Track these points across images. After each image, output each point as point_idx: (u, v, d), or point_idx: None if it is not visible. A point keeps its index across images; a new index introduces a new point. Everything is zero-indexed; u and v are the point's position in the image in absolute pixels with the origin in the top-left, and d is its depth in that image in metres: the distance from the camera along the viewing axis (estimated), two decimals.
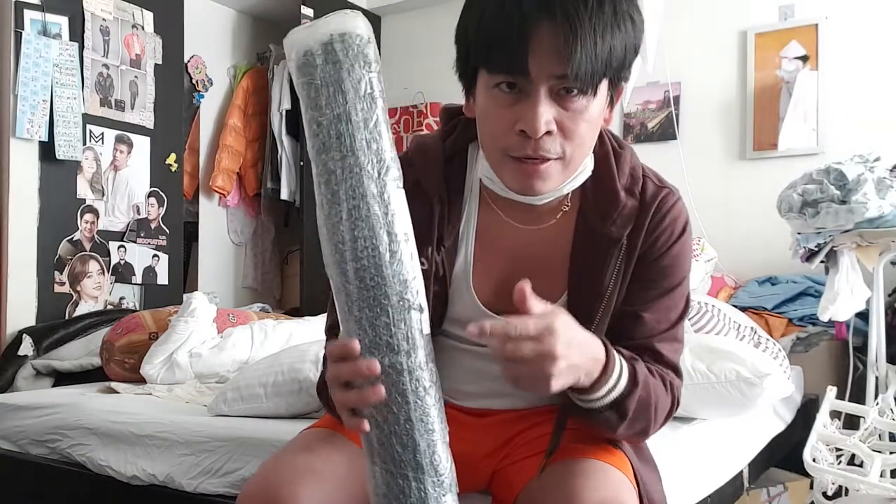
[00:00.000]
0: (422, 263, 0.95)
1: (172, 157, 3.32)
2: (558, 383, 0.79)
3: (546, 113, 0.85)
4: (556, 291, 0.99)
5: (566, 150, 0.89)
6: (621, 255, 0.96)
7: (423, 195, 0.99)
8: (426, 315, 0.81)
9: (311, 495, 0.90)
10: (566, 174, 0.92)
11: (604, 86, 0.88)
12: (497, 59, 0.85)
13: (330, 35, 0.78)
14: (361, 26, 0.80)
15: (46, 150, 2.79)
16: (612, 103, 0.94)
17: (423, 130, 3.84)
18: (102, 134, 3.03)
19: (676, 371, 0.99)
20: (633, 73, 0.94)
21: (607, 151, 1.00)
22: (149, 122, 3.21)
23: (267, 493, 0.91)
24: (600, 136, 0.99)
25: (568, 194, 0.99)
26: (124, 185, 3.12)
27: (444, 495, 0.80)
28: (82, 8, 2.93)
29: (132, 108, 3.14)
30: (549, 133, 0.86)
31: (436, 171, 1.01)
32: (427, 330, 0.81)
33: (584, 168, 0.96)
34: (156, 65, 3.24)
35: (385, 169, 0.79)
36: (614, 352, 0.88)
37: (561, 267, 0.99)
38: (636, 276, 0.97)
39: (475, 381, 1.05)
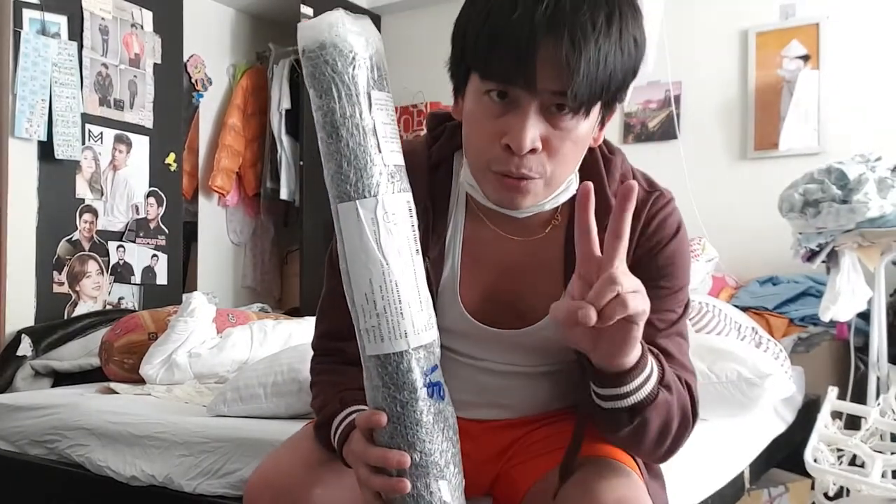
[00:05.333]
0: None
1: (172, 156, 3.32)
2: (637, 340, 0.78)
3: (534, 129, 0.82)
4: (550, 301, 0.98)
5: (548, 169, 0.86)
6: None
7: None
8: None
9: (321, 483, 0.90)
10: (548, 191, 0.90)
11: (597, 108, 0.86)
12: (495, 66, 0.82)
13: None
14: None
15: (45, 149, 2.78)
16: (602, 123, 0.92)
17: (423, 130, 3.83)
18: (101, 133, 3.02)
19: (686, 369, 0.97)
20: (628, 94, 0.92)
21: (597, 158, 0.97)
22: (148, 121, 3.20)
23: (276, 482, 0.91)
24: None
25: (558, 208, 0.97)
26: (123, 185, 3.11)
27: None
28: (81, 7, 2.92)
29: (131, 107, 3.13)
30: (533, 151, 0.83)
31: (421, 179, 0.97)
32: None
33: (569, 186, 0.94)
34: (155, 64, 3.23)
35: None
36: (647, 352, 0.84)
37: (553, 277, 0.97)
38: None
39: (471, 391, 1.04)
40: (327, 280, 1.06)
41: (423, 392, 0.78)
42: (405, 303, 0.77)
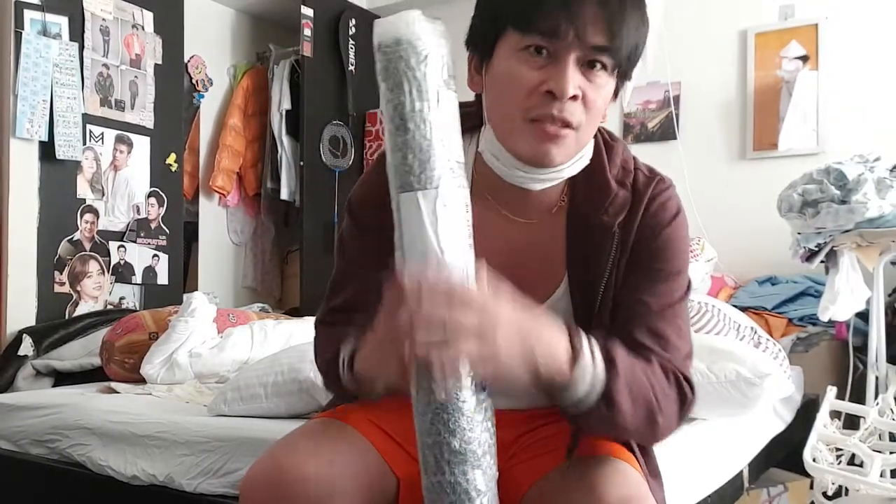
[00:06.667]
0: None
1: (172, 156, 3.33)
2: (510, 355, 0.77)
3: (575, 77, 0.88)
4: (554, 284, 1.00)
5: (582, 121, 0.90)
6: (615, 244, 0.97)
7: None
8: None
9: (317, 476, 0.90)
10: (574, 151, 0.93)
11: (615, 72, 0.92)
12: (539, 20, 0.87)
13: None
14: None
15: (46, 149, 2.79)
16: (614, 95, 0.96)
17: None
18: (102, 134, 3.03)
19: (681, 352, 0.97)
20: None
21: (598, 143, 1.01)
22: (149, 121, 3.21)
23: (273, 473, 0.91)
24: None
25: (564, 189, 0.99)
26: (124, 185, 3.12)
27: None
28: (82, 8, 2.93)
29: (132, 108, 3.14)
30: (574, 98, 0.88)
31: None
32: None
33: (584, 155, 0.97)
34: (156, 65, 3.24)
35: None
36: (583, 338, 0.84)
37: (557, 260, 1.00)
38: (633, 264, 0.97)
39: None
40: (337, 261, 1.10)
41: (467, 381, 0.79)
42: None
